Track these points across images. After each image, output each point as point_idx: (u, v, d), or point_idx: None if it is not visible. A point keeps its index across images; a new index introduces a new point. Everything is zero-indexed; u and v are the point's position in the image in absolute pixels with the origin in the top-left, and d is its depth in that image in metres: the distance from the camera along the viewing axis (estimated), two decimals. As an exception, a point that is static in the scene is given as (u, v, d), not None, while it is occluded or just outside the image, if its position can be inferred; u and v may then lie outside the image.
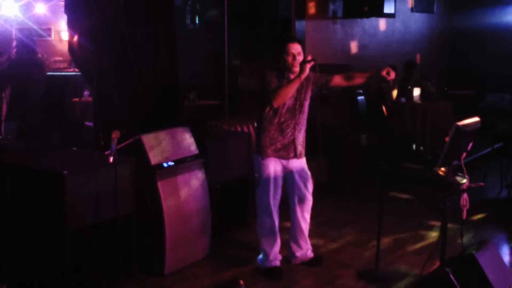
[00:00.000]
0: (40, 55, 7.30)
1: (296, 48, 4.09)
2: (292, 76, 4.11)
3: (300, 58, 4.09)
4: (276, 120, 4.16)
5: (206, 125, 5.89)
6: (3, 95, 6.36)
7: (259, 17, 8.24)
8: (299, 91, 4.14)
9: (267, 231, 4.28)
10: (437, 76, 8.97)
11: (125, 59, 4.87)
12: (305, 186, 4.34)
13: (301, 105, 4.19)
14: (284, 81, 4.11)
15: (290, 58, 4.08)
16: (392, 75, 4.05)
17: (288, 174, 4.29)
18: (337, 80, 4.27)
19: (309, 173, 4.38)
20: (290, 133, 4.18)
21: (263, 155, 4.19)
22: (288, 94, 4.04)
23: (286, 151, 4.20)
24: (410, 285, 4.16)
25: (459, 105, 8.11)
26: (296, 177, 4.30)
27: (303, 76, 3.99)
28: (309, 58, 3.99)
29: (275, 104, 4.08)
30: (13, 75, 6.40)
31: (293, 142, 4.21)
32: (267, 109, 4.15)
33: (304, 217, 4.40)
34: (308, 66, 3.97)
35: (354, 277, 4.30)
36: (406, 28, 9.59)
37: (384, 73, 4.06)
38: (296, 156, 4.23)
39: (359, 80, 4.29)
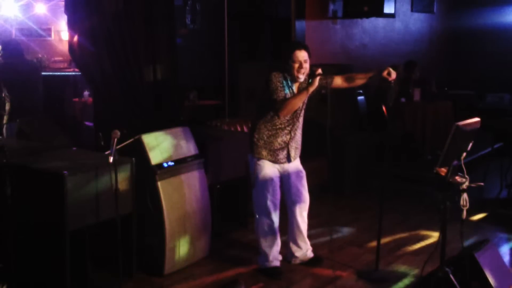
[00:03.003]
0: (29, 55, 7.25)
1: (303, 55, 4.02)
2: (296, 83, 4.12)
3: (306, 65, 4.04)
4: (272, 124, 4.15)
5: (206, 125, 5.89)
6: (4, 96, 6.34)
7: (259, 17, 8.24)
8: None
9: (265, 231, 4.27)
10: (437, 76, 8.97)
11: (125, 59, 4.86)
12: (302, 185, 4.34)
13: (300, 111, 4.20)
14: (289, 90, 4.09)
15: (296, 66, 4.03)
16: (393, 75, 4.03)
17: (283, 175, 4.29)
18: (338, 81, 4.24)
19: (303, 171, 4.38)
20: (284, 138, 4.18)
21: (259, 156, 4.19)
22: (295, 106, 4.04)
23: (280, 155, 4.20)
24: (410, 285, 4.16)
25: (459, 105, 8.11)
26: (292, 177, 4.30)
27: (312, 89, 3.96)
28: (319, 71, 3.95)
29: (282, 115, 4.07)
30: (4, 79, 6.36)
31: (286, 146, 4.20)
32: (268, 114, 4.14)
33: (303, 217, 4.40)
34: (317, 80, 3.94)
35: (354, 277, 4.29)
36: (406, 28, 9.59)
37: (385, 73, 4.03)
38: (289, 160, 4.24)
39: (360, 81, 4.26)
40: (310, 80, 3.97)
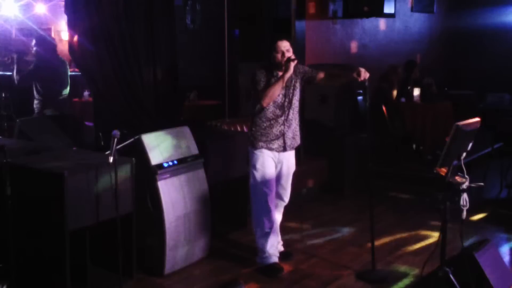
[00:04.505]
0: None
1: (285, 45, 4.20)
2: (281, 73, 4.21)
3: (289, 54, 4.19)
4: (265, 116, 4.25)
5: (206, 125, 5.89)
6: (35, 93, 6.48)
7: (259, 17, 8.23)
8: (287, 87, 4.25)
9: (262, 221, 4.29)
10: (437, 76, 8.96)
11: (125, 59, 4.87)
12: (289, 179, 4.46)
13: (290, 101, 4.28)
14: (272, 79, 4.21)
15: (279, 55, 4.19)
16: (363, 76, 4.07)
17: (277, 166, 4.37)
18: (321, 76, 4.34)
19: (294, 167, 4.49)
20: (279, 128, 4.27)
21: (256, 146, 4.29)
22: (274, 93, 4.16)
23: (276, 144, 4.29)
24: (410, 285, 4.16)
25: (459, 105, 8.10)
26: (284, 169, 4.39)
27: (287, 75, 4.13)
28: (292, 57, 4.13)
29: (264, 104, 4.19)
30: (39, 75, 6.48)
31: (282, 135, 4.28)
32: (257, 106, 4.26)
33: (280, 211, 4.53)
34: (292, 65, 4.11)
35: (354, 277, 4.30)
36: (406, 28, 9.58)
37: (354, 74, 4.12)
38: (285, 149, 4.33)
39: (339, 79, 4.47)
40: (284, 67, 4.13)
